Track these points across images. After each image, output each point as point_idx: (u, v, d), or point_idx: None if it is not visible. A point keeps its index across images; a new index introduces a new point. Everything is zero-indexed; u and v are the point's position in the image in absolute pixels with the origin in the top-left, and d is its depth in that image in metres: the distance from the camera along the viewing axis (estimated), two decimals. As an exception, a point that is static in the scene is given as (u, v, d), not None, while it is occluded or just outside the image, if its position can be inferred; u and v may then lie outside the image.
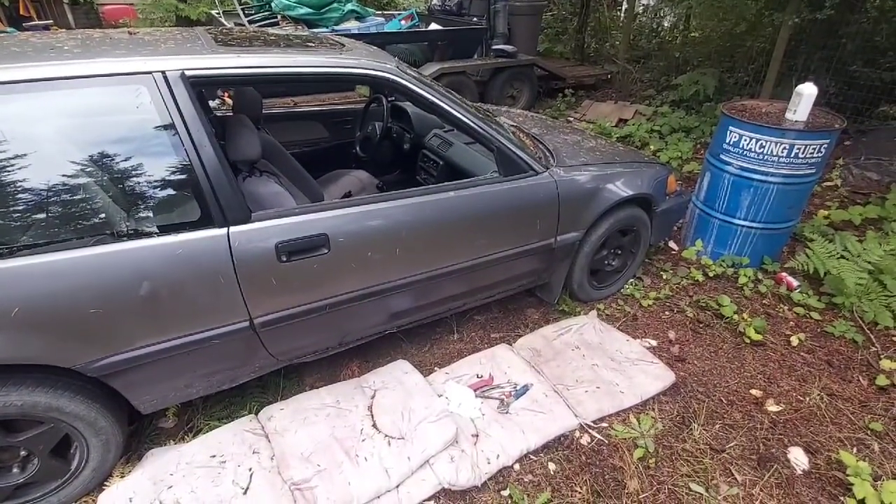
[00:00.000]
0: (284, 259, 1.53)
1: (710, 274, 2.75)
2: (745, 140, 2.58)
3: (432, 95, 1.80)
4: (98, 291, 1.31)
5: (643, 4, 8.02)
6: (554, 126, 2.86)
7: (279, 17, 4.64)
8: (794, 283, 2.64)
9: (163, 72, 1.37)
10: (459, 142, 2.50)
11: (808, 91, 2.49)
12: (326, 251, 1.59)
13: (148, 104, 1.35)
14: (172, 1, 7.89)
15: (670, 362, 2.17)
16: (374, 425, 1.74)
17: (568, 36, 8.02)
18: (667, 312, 2.53)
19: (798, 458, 1.76)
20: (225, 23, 4.80)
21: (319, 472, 1.53)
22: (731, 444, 1.80)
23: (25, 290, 1.24)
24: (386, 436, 1.69)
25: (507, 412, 1.86)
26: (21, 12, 8.21)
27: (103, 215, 1.32)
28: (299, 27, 4.54)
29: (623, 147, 2.83)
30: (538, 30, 6.54)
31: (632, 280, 2.70)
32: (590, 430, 1.83)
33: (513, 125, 2.49)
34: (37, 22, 7.72)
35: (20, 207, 1.25)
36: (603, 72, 6.58)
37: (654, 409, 1.93)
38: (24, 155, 1.25)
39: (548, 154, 2.26)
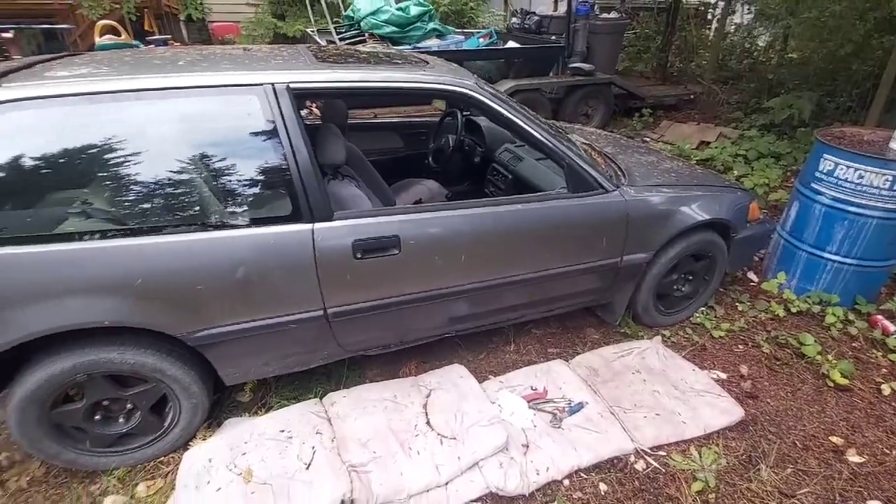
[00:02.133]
0: (359, 256, 1.66)
1: (793, 310, 2.56)
2: (842, 169, 2.40)
3: (507, 111, 1.88)
4: (204, 271, 1.51)
5: (735, 23, 7.64)
6: (628, 145, 2.82)
7: (367, 35, 4.97)
8: (892, 327, 2.39)
9: (272, 84, 1.56)
10: (530, 157, 2.55)
11: (919, 118, 2.28)
12: (397, 252, 1.70)
13: (258, 111, 1.54)
14: (272, 19, 8.69)
15: (740, 398, 2.05)
16: (428, 423, 1.80)
17: (650, 54, 7.81)
18: (740, 346, 2.39)
19: (884, 518, 1.59)
20: (318, 40, 5.21)
21: (375, 459, 1.62)
22: (803, 491, 1.67)
23: (147, 265, 1.45)
24: (438, 434, 1.75)
25: (559, 427, 1.85)
26: (145, 27, 9.42)
27: (212, 206, 1.52)
28: (384, 44, 4.84)
29: (702, 170, 2.73)
30: (619, 48, 6.45)
31: (703, 309, 2.58)
32: (646, 457, 1.78)
33: (585, 143, 2.50)
34: (158, 36, 8.82)
35: (147, 194, 1.47)
36: (686, 92, 6.34)
37: (717, 444, 1.83)
38: (154, 151, 1.48)
39: (619, 173, 2.24)
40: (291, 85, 1.58)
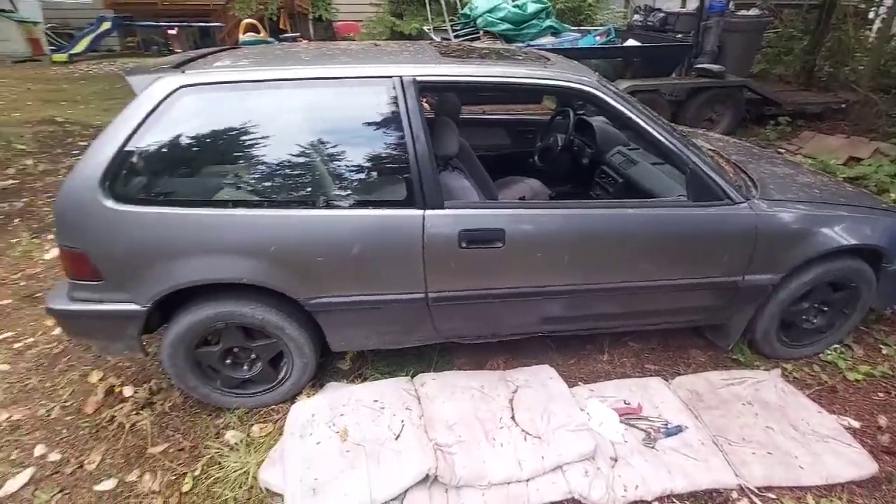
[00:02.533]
0: (464, 245, 1.71)
1: (960, 362, 2.14)
2: None
3: (628, 110, 1.80)
4: (325, 245, 1.66)
5: None
6: (761, 155, 2.56)
7: (481, 32, 5.05)
8: None
9: (401, 77, 1.66)
10: (645, 161, 2.42)
11: None
12: (501, 245, 1.73)
13: (386, 102, 1.66)
14: (391, 18, 9.17)
15: (875, 451, 1.76)
16: (513, 418, 1.81)
17: (794, 56, 6.92)
18: (880, 394, 2.05)
19: None
20: (434, 37, 5.41)
21: (459, 442, 1.67)
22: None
23: (280, 234, 1.64)
24: (523, 430, 1.75)
25: (652, 447, 1.75)
26: (280, 26, 10.49)
27: (337, 187, 1.67)
28: (498, 41, 4.87)
29: (853, 188, 2.38)
30: (756, 48, 5.82)
31: (837, 346, 2.26)
32: (751, 496, 1.61)
33: (711, 149, 2.31)
34: (289, 34, 9.81)
35: (283, 173, 1.66)
36: (835, 100, 5.53)
37: (840, 499, 1.60)
38: (293, 134, 1.66)
39: (750, 184, 2.04)
40: (418, 78, 1.67)
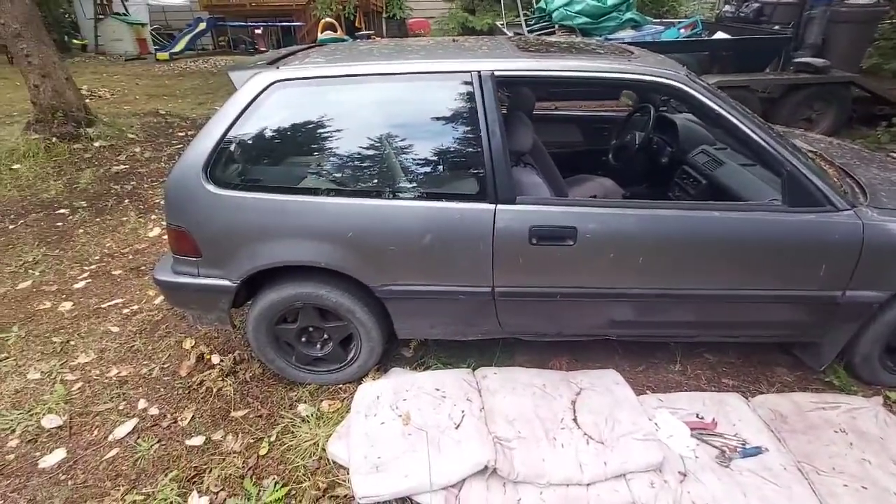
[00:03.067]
0: (534, 242, 1.69)
1: None
2: None
3: (719, 107, 1.69)
4: (398, 234, 1.72)
5: None
6: (872, 159, 2.29)
7: (556, 26, 4.93)
8: None
9: (479, 71, 1.67)
10: (733, 162, 2.25)
11: None
12: (572, 243, 1.69)
13: (463, 96, 1.68)
14: (463, 14, 9.20)
15: None
16: (575, 420, 1.77)
17: (916, 49, 6.09)
18: None
19: None
20: (507, 32, 5.36)
21: (519, 438, 1.67)
22: None
23: (357, 222, 1.72)
24: (585, 434, 1.71)
25: (727, 466, 1.64)
26: (356, 24, 10.89)
27: (412, 178, 1.72)
28: (574, 35, 4.74)
29: None
30: (869, 41, 5.20)
31: (957, 378, 1.98)
32: (840, 532, 1.47)
33: (812, 150, 2.11)
34: (364, 32, 10.16)
35: (361, 164, 1.73)
36: (965, 99, 4.81)
37: (956, 551, 1.41)
38: (374, 126, 1.73)
39: (857, 190, 1.84)
40: (496, 72, 1.67)
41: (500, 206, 1.69)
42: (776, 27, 4.86)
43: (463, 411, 1.79)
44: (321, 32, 7.86)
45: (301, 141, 1.78)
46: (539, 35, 4.84)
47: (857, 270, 1.72)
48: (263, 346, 1.96)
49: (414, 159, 1.75)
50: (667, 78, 1.69)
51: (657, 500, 1.52)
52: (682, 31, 5.14)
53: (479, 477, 1.59)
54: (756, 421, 1.80)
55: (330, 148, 1.76)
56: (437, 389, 1.90)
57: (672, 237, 1.72)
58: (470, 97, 1.68)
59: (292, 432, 1.85)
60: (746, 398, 1.93)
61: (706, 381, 2.09)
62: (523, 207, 1.69)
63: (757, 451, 1.69)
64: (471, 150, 1.70)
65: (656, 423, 1.79)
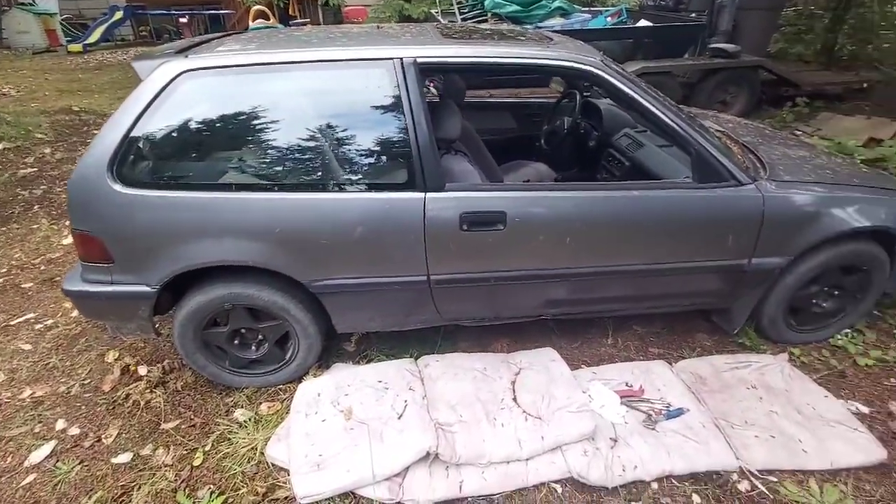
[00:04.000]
0: (465, 228, 1.71)
1: (977, 348, 2.09)
2: None
3: (633, 91, 1.77)
4: (329, 228, 1.68)
5: None
6: (773, 137, 2.49)
7: (489, 14, 4.97)
8: None
9: (401, 58, 1.66)
10: (652, 144, 2.38)
11: None
12: (502, 227, 1.73)
13: (386, 84, 1.66)
14: (399, 2, 9.07)
15: (885, 438, 1.74)
16: (515, 399, 1.83)
17: (814, 35, 6.67)
18: (892, 379, 2.02)
19: None
20: (441, 20, 5.35)
21: (461, 422, 1.70)
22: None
23: (285, 217, 1.66)
24: (524, 411, 1.77)
25: (653, 428, 1.76)
26: (289, 12, 10.46)
27: (338, 170, 1.69)
28: (505, 24, 4.80)
29: (870, 170, 2.32)
30: (774, 27, 5.62)
31: (848, 331, 2.22)
32: (752, 478, 1.61)
33: (720, 130, 2.26)
34: (299, 20, 9.78)
35: (286, 156, 1.68)
36: (857, 79, 5.34)
37: (846, 484, 1.59)
38: (294, 118, 1.67)
39: (758, 165, 2.00)
40: (418, 59, 1.66)
41: (429, 195, 1.69)
42: (693, 15, 5.15)
43: (406, 401, 1.80)
44: (252, 21, 7.49)
45: (218, 134, 1.70)
46: (472, 23, 4.86)
47: (760, 239, 1.87)
48: (193, 352, 1.87)
49: (340, 150, 1.71)
50: (583, 63, 1.75)
51: (590, 466, 1.60)
52: (609, 19, 5.33)
53: (421, 464, 1.61)
54: (679, 385, 1.93)
55: (250, 141, 1.69)
56: (380, 381, 1.90)
57: (596, 217, 1.79)
58: (394, 85, 1.66)
59: (229, 439, 1.78)
60: (670, 364, 2.07)
61: (635, 352, 2.21)
62: (452, 194, 1.71)
63: (679, 412, 1.81)
64: (397, 138, 1.69)
65: (590, 395, 1.88)
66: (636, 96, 1.78)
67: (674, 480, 1.62)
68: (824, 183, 1.96)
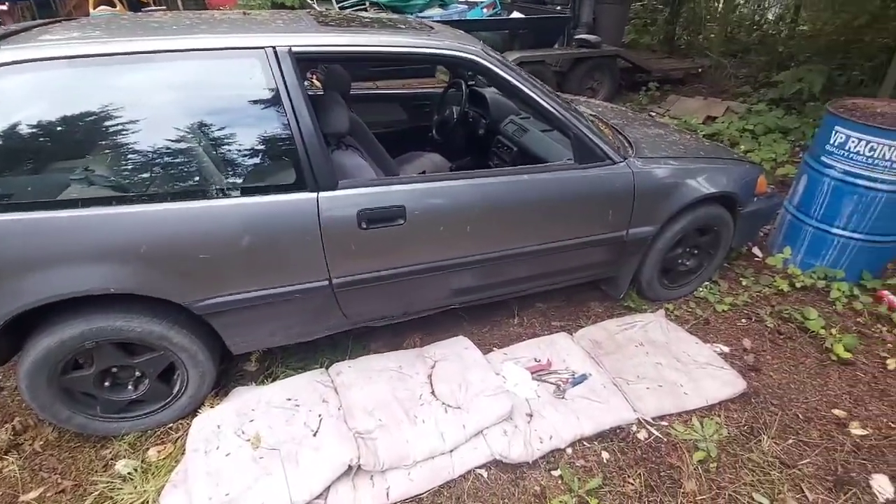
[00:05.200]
0: (364, 226, 1.64)
1: (798, 285, 2.56)
2: (853, 142, 2.36)
3: (514, 79, 1.83)
4: (209, 240, 1.49)
5: None
6: (635, 118, 2.77)
7: (368, 3, 4.84)
8: (899, 302, 2.39)
9: (273, 47, 1.51)
10: (535, 129, 2.50)
11: (936, 90, 2.22)
12: (402, 222, 1.69)
13: (259, 77, 1.50)
14: (272, -12, 8.42)
15: (743, 371, 2.06)
16: (433, 392, 1.82)
17: (657, 27, 7.61)
18: (743, 320, 2.39)
19: (882, 486, 1.62)
20: (316, 7, 5.07)
21: (381, 426, 1.64)
22: (805, 462, 1.69)
23: (152, 233, 1.44)
24: (443, 403, 1.77)
25: (562, 397, 1.87)
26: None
27: (215, 174, 1.50)
28: (384, 13, 4.71)
29: (710, 143, 2.69)
30: (625, 20, 6.28)
31: (707, 283, 2.58)
32: (648, 427, 1.80)
33: (592, 114, 2.46)
34: (153, 8, 8.60)
35: (148, 162, 1.45)
36: (693, 65, 6.20)
37: (719, 416, 1.85)
38: (154, 117, 1.45)
39: (627, 145, 2.21)
40: (294, 48, 1.53)
41: (322, 194, 1.58)
42: (559, 7, 5.53)
43: (320, 415, 1.70)
44: (94, 8, 6.36)
45: (55, 141, 1.40)
46: (350, 12, 4.68)
47: (634, 211, 2.07)
48: (49, 404, 1.56)
49: (214, 152, 1.52)
50: (465, 52, 1.76)
51: (511, 445, 1.66)
52: (485, 10, 5.50)
53: (344, 478, 1.53)
54: (579, 352, 2.08)
55: (98, 147, 1.42)
56: (289, 399, 1.76)
57: (492, 203, 1.83)
58: (268, 77, 1.51)
59: (112, 498, 1.53)
60: (571, 335, 2.22)
61: (540, 328, 2.34)
62: (347, 192, 1.62)
63: (583, 377, 1.95)
64: (280, 136, 1.55)
65: (503, 376, 1.94)
66: (517, 83, 1.84)
67: (585, 443, 1.75)
68: (680, 157, 2.22)
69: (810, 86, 4.73)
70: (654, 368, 2.02)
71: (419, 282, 1.87)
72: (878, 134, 2.26)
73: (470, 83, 2.78)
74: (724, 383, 1.96)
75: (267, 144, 1.55)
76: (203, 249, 1.49)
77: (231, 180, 1.52)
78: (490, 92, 2.82)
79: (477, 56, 1.77)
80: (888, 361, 2.09)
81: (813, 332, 2.24)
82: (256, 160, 1.56)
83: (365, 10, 4.76)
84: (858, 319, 2.36)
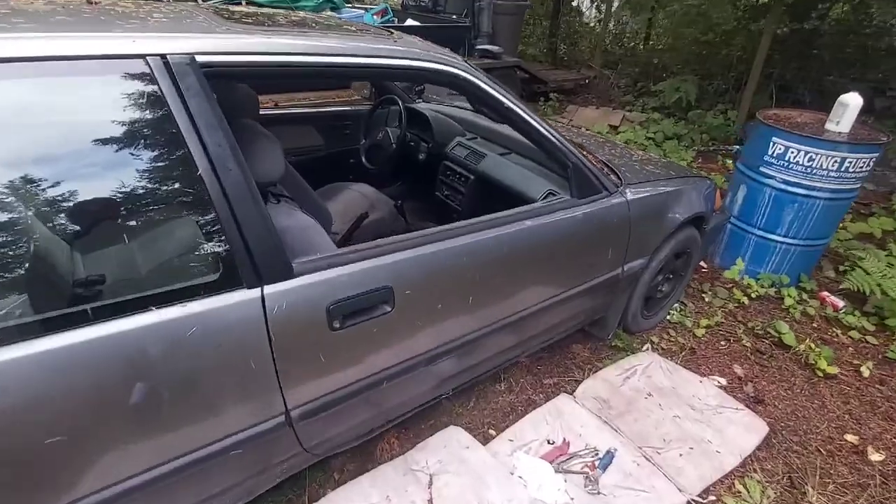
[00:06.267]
0: (338, 326, 1.08)
1: (753, 295, 2.56)
2: (792, 153, 2.40)
3: (507, 99, 1.42)
4: (60, 408, 0.81)
5: (596, 10, 7.99)
6: (590, 137, 2.55)
7: (243, 2, 4.04)
8: (840, 303, 2.51)
9: (162, 55, 0.88)
10: (492, 153, 2.13)
11: (853, 102, 2.35)
12: (390, 309, 1.16)
13: (139, 103, 0.86)
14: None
15: (749, 405, 1.91)
16: (445, 529, 1.32)
17: (536, 38, 7.87)
18: (723, 342, 2.29)
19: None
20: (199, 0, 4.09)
21: None
22: (855, 510, 1.56)
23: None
24: (465, 545, 1.28)
25: (597, 492, 1.51)
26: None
27: (67, 280, 0.82)
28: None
29: (665, 160, 2.58)
30: (520, 30, 6.28)
31: (676, 305, 2.45)
32: (699, 507, 1.52)
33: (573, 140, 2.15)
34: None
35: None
36: (581, 76, 6.45)
37: (756, 471, 1.65)
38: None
39: (610, 171, 1.93)
40: (198, 57, 0.92)
41: (268, 289, 0.99)
42: (454, 16, 5.27)
43: None
44: None
45: None
46: (222, 7, 3.82)
47: (630, 244, 1.81)
48: None
49: (60, 240, 0.83)
50: (449, 66, 1.30)
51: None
52: (375, 17, 5.01)
53: None
54: (592, 419, 1.75)
55: None
56: None
57: (497, 258, 1.40)
58: (154, 102, 0.88)
59: None
60: (572, 395, 1.88)
61: (532, 390, 1.96)
62: (308, 279, 1.04)
63: (610, 456, 1.62)
64: (185, 199, 0.92)
65: (521, 477, 1.51)
66: (509, 104, 1.43)
67: (644, 550, 1.41)
68: (661, 179, 2.02)
69: (687, 94, 5.15)
70: (674, 425, 1.77)
71: (406, 381, 1.35)
72: (817, 145, 2.32)
73: (408, 102, 2.30)
74: (747, 429, 1.78)
75: (163, 220, 0.91)
76: (50, 430, 0.80)
77: (93, 291, 0.85)
78: (430, 111, 2.37)
79: (462, 70, 1.33)
80: (862, 369, 2.12)
81: (790, 346, 2.21)
82: (149, 246, 0.90)
83: (239, 5, 3.94)
84: (815, 325, 2.42)
